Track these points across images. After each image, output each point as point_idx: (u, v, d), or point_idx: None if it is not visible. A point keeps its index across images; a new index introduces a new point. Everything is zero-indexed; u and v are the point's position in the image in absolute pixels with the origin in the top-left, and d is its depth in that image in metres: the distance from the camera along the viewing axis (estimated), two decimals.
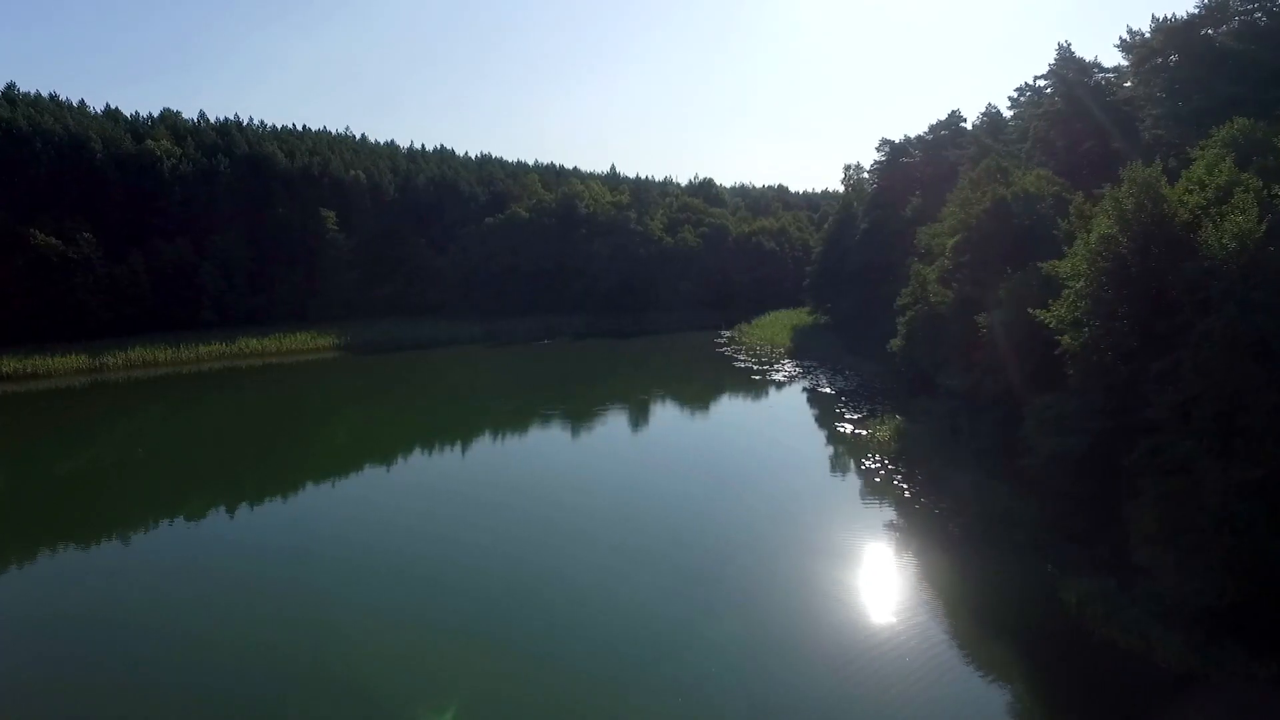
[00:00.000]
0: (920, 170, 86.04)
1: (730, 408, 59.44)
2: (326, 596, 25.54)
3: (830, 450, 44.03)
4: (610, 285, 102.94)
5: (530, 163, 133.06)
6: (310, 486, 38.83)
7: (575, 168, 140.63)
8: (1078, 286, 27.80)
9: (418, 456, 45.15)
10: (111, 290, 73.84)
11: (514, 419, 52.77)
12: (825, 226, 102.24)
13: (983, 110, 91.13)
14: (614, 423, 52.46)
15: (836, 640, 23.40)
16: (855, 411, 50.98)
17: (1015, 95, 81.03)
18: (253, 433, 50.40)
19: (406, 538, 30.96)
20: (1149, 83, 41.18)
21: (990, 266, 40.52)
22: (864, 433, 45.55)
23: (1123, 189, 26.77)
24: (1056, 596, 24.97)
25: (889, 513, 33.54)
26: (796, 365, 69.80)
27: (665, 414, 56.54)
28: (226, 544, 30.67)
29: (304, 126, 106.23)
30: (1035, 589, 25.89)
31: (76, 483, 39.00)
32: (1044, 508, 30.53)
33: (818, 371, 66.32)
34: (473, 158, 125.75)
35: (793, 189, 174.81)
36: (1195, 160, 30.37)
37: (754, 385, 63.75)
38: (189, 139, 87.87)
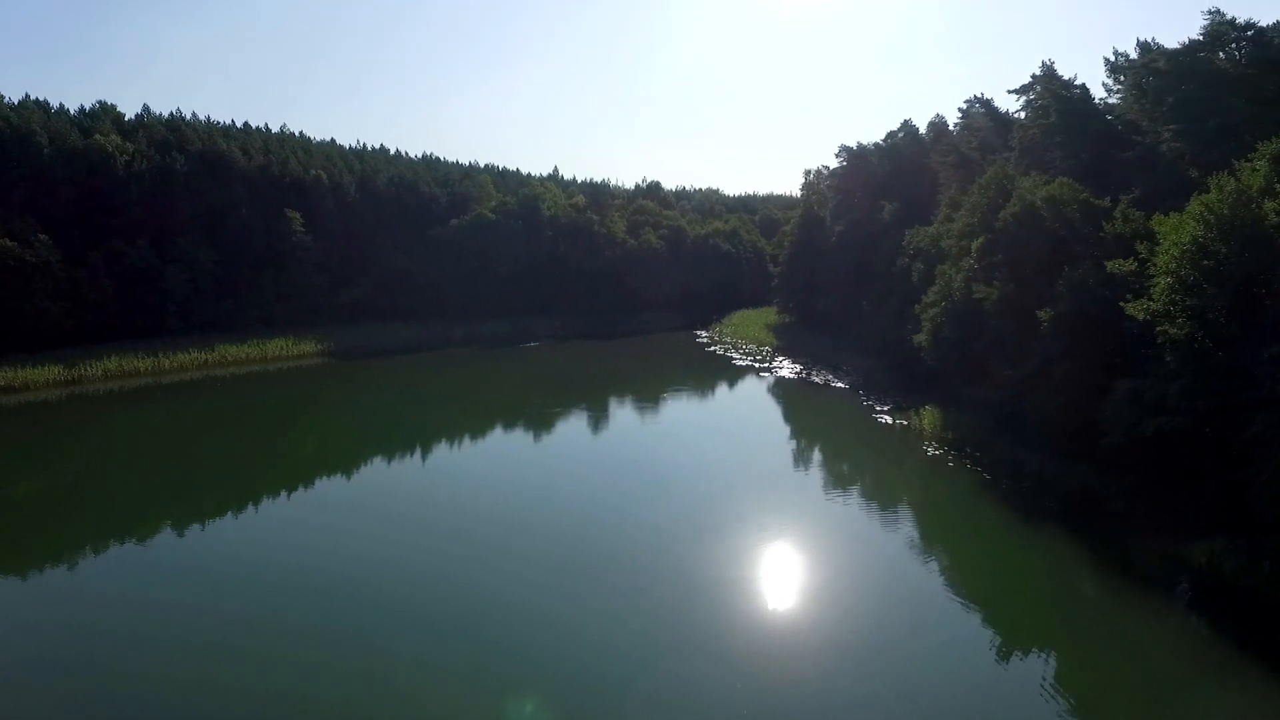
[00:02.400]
0: (879, 175, 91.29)
1: (764, 403, 61.61)
2: (279, 625, 23.61)
3: (886, 439, 46.73)
4: (579, 287, 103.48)
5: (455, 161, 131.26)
6: (315, 506, 36.38)
7: (517, 168, 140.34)
8: (1168, 282, 31.18)
9: (473, 470, 43.57)
10: (73, 296, 68.65)
11: (563, 420, 53.17)
12: (787, 229, 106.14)
13: (931, 119, 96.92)
14: (667, 420, 54.50)
15: (1001, 608, 25.66)
16: (881, 404, 53.97)
17: (965, 106, 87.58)
18: (261, 449, 46.79)
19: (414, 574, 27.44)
20: (1158, 101, 45.79)
21: (1028, 265, 44.34)
22: (905, 422, 48.49)
23: (1212, 195, 30.37)
24: (1178, 557, 28.14)
25: (980, 494, 36.31)
26: (793, 362, 72.70)
27: (708, 410, 58.80)
28: (177, 571, 28.01)
29: (245, 123, 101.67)
30: (1152, 551, 29.01)
31: (34, 504, 35.29)
32: (1126, 482, 33.99)
33: (817, 367, 69.33)
34: (415, 157, 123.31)
35: (725, 192, 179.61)
36: (1241, 173, 34.62)
37: (768, 382, 66.18)
38: (140, 134, 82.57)
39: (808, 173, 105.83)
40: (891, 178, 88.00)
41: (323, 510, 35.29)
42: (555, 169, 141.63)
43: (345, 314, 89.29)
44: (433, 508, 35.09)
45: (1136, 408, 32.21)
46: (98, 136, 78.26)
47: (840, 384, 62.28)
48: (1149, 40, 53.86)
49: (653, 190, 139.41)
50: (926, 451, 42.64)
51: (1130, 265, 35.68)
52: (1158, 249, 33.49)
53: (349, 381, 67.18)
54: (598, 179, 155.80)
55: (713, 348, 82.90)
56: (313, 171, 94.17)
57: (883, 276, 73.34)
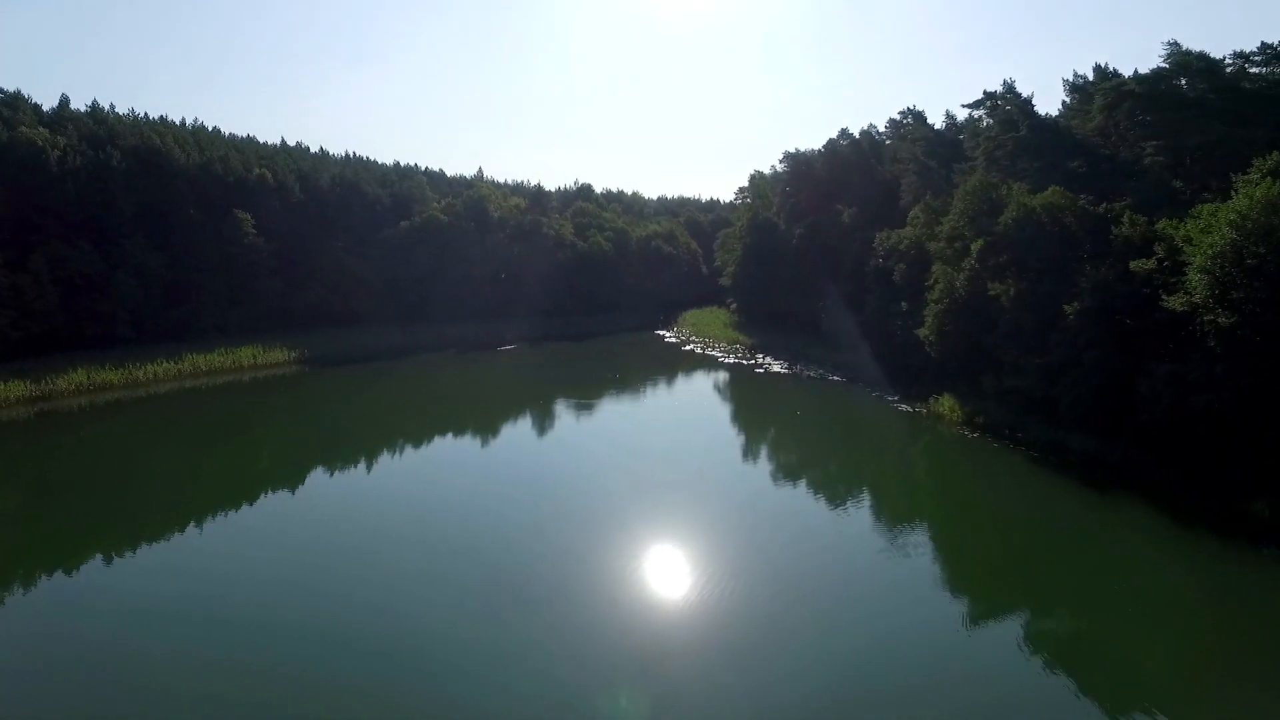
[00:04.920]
0: (825, 180, 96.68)
1: (784, 397, 63.70)
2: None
3: (918, 426, 50.40)
4: (535, 290, 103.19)
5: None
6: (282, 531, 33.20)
7: (441, 169, 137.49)
8: (1205, 279, 36.21)
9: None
10: (16, 305, 62.26)
11: (618, 419, 54.45)
12: (732, 231, 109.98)
13: (863, 127, 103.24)
14: (715, 412, 57.10)
15: (1100, 561, 29.44)
16: (889, 395, 57.97)
17: (899, 118, 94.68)
18: (245, 468, 43.04)
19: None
20: (1131, 119, 52.10)
21: (1036, 264, 49.38)
22: (924, 410, 52.53)
23: (1241, 201, 35.62)
24: (1241, 512, 32.96)
25: (1035, 471, 40.43)
26: (777, 359, 76.04)
27: (744, 404, 61.35)
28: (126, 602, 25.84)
29: (162, 116, 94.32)
30: (1211, 510, 33.74)
31: None
32: (1159, 455, 39.00)
33: (804, 363, 72.95)
34: (340, 156, 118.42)
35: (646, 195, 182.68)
36: (1238, 185, 40.31)
37: (768, 378, 69.06)
38: (69, 127, 75.56)
39: (752, 177, 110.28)
40: (839, 183, 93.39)
41: (291, 539, 31.96)
42: (480, 170, 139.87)
43: (300, 319, 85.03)
44: (472, 556, 29.60)
45: (1177, 387, 37.19)
46: (23, 129, 71.09)
47: (835, 378, 66.09)
48: (1104, 65, 60.90)
49: (585, 192, 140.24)
50: (964, 435, 46.68)
51: (1150, 265, 40.92)
52: (1182, 250, 38.87)
53: (339, 391, 64.59)
54: (526, 181, 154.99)
55: (688, 347, 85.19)
56: (256, 170, 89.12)
57: (854, 276, 78.21)
